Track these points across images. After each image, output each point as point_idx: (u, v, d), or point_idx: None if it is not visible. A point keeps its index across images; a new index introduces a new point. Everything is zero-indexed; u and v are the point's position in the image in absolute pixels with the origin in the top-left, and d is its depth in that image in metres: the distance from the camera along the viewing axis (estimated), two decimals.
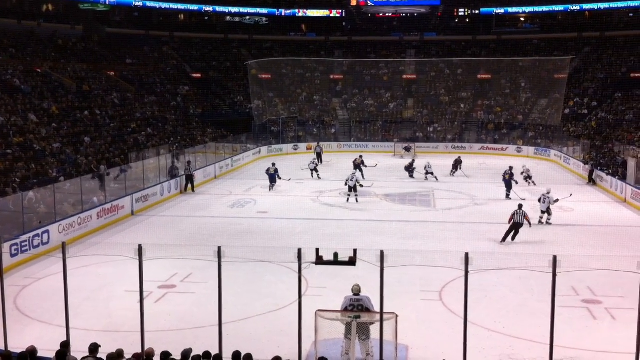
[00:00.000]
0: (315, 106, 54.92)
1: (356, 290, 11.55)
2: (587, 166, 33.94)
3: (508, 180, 29.02)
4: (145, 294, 11.54)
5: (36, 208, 21.28)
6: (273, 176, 31.09)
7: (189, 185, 30.26)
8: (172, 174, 30.20)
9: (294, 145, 48.71)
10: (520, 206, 21.31)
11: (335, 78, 57.63)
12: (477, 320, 12.92)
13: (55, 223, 19.92)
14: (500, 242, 20.57)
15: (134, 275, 11.00)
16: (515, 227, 20.73)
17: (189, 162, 31.15)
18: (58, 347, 9.75)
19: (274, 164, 31.90)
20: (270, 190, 30.67)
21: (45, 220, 20.16)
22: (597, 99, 49.76)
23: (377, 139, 51.00)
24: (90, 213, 22.03)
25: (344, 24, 65.88)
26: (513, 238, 20.84)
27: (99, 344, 9.85)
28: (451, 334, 12.41)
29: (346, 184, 28.34)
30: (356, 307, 11.31)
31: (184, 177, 30.33)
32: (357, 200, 27.75)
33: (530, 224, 20.90)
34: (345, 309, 11.36)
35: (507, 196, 28.49)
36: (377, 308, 10.82)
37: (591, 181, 32.18)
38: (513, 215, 20.82)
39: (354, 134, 51.97)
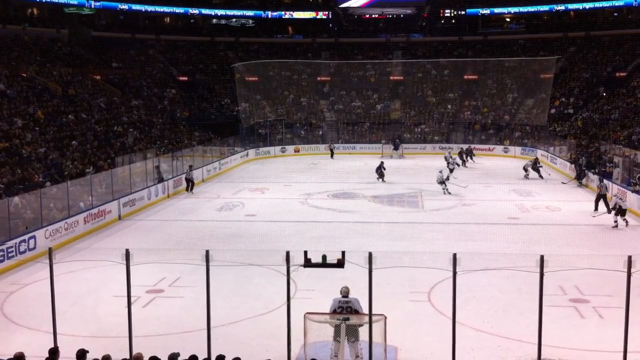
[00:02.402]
0: (303, 108, 54.92)
1: (345, 292, 11.53)
2: (573, 165, 34.00)
3: None
4: (133, 299, 11.49)
5: (22, 213, 21.12)
6: (379, 171, 34.19)
7: (189, 186, 31.43)
8: (160, 177, 30.20)
9: (282, 148, 48.71)
10: (601, 179, 26.18)
11: (322, 80, 57.69)
12: (465, 321, 12.95)
13: (41, 228, 19.79)
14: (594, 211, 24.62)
15: (122, 280, 10.95)
16: (599, 197, 24.72)
17: (190, 166, 32.18)
18: (46, 354, 9.69)
19: (382, 162, 35.15)
20: (377, 180, 33.80)
21: (32, 226, 20.02)
22: (583, 98, 50.06)
23: (365, 141, 51.08)
24: (76, 218, 21.90)
25: (330, 25, 65.99)
26: (608, 210, 23.79)
27: (86, 349, 9.78)
28: (440, 335, 12.42)
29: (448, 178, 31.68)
30: (345, 309, 11.29)
31: (185, 179, 31.51)
32: (446, 192, 29.86)
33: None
34: (334, 311, 11.34)
35: None
36: (365, 310, 10.82)
37: (579, 180, 31.94)
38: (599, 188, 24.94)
39: (341, 136, 51.98)
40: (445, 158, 37.45)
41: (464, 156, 41.69)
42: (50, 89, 38.87)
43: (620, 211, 22.38)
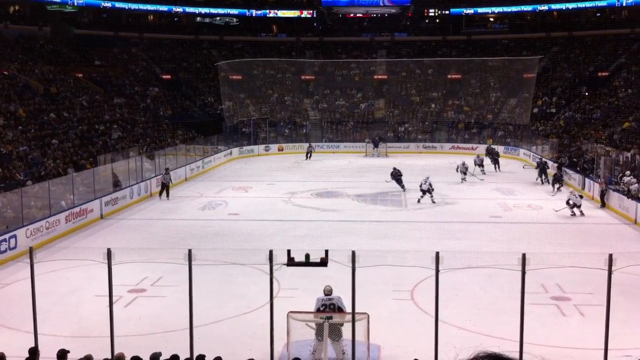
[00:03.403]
0: (287, 107, 54.86)
1: (328, 291, 11.56)
2: (554, 164, 33.97)
3: None
4: (114, 299, 11.43)
5: (3, 212, 20.95)
6: (397, 179, 30.26)
7: (164, 192, 29.08)
8: (116, 185, 27.64)
9: (266, 147, 48.63)
10: (600, 176, 27.84)
11: (307, 79, 57.62)
12: (448, 319, 12.99)
13: (22, 227, 19.62)
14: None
15: (104, 280, 10.90)
16: (603, 193, 26.37)
17: (167, 169, 30.00)
18: (27, 354, 9.61)
19: (394, 168, 30.92)
20: (402, 190, 29.83)
21: (12, 225, 19.85)
22: (565, 97, 50.40)
23: (349, 139, 51.12)
24: (58, 217, 21.72)
25: (314, 24, 65.93)
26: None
27: (67, 349, 9.73)
28: (423, 333, 12.45)
29: (420, 188, 27.34)
30: (328, 306, 11.32)
31: (161, 184, 29.26)
32: (433, 201, 27.10)
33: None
34: (317, 310, 11.34)
35: None
36: (349, 308, 10.84)
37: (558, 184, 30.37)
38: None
39: (325, 135, 51.97)
40: (474, 162, 34.88)
41: (493, 157, 37.32)
42: (32, 87, 38.54)
43: (569, 204, 24.61)
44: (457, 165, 33.63)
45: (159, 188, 29.55)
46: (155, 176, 30.59)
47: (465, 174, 33.15)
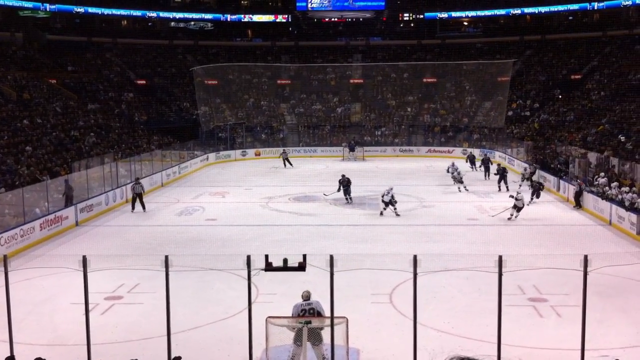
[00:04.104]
0: (263, 112, 54.80)
1: (306, 297, 11.52)
2: (529, 168, 34.04)
3: None
4: (91, 306, 11.31)
5: None
6: (345, 188, 28.48)
7: (136, 203, 27.03)
8: (68, 197, 25.41)
9: (242, 152, 48.51)
10: (576, 178, 27.78)
11: (283, 83, 57.60)
12: (426, 322, 13.03)
13: None
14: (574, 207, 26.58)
15: (79, 287, 10.77)
16: (579, 194, 26.56)
17: (137, 179, 27.86)
18: None
19: (343, 175, 29.31)
20: (346, 201, 28.45)
21: None
22: (539, 100, 50.95)
23: (326, 144, 51.18)
24: (32, 224, 21.43)
25: (290, 29, 65.99)
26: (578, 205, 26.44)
27: (44, 358, 9.60)
28: (402, 336, 12.48)
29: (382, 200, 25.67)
30: (307, 311, 11.29)
31: (132, 195, 27.27)
32: (397, 214, 25.27)
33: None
34: (298, 316, 11.32)
35: None
36: (327, 312, 10.82)
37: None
38: None
39: (302, 139, 51.98)
40: (448, 169, 32.77)
41: (485, 165, 36.04)
42: (5, 94, 38.07)
43: (516, 208, 24.19)
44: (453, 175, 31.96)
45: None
46: (131, 182, 30.14)
47: (461, 182, 31.54)
